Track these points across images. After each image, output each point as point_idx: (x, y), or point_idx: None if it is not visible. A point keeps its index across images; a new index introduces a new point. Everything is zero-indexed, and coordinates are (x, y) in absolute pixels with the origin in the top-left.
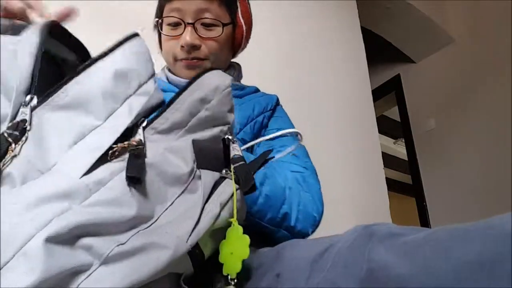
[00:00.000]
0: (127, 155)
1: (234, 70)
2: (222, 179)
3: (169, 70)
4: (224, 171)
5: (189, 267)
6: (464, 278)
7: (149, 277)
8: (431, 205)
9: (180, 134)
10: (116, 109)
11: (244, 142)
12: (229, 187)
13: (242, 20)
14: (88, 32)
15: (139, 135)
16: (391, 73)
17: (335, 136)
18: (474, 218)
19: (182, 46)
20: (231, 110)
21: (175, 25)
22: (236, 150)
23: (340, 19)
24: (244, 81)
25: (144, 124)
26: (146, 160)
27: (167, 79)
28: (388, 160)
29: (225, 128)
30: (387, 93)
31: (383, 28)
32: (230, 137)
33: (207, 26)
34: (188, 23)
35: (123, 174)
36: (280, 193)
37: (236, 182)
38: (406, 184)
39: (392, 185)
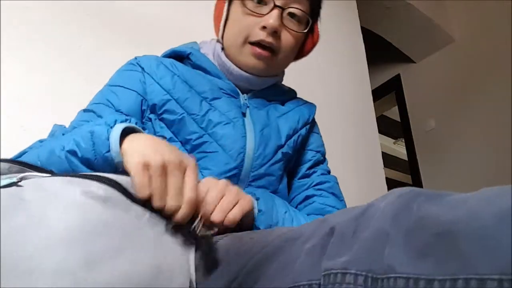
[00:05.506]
0: None
1: (283, 73)
2: None
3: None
4: None
5: None
6: (505, 220)
7: None
8: None
9: None
10: None
11: (286, 155)
12: None
13: (319, 30)
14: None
15: None
16: (391, 73)
17: (335, 136)
18: None
19: (263, 27)
20: None
21: (260, 1)
22: None
23: (340, 19)
24: None
25: None
26: None
27: (217, 61)
28: (388, 160)
29: None
30: (387, 93)
31: (383, 28)
32: None
33: (292, 17)
34: (278, 6)
35: None
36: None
37: None
38: (406, 184)
39: (392, 185)
